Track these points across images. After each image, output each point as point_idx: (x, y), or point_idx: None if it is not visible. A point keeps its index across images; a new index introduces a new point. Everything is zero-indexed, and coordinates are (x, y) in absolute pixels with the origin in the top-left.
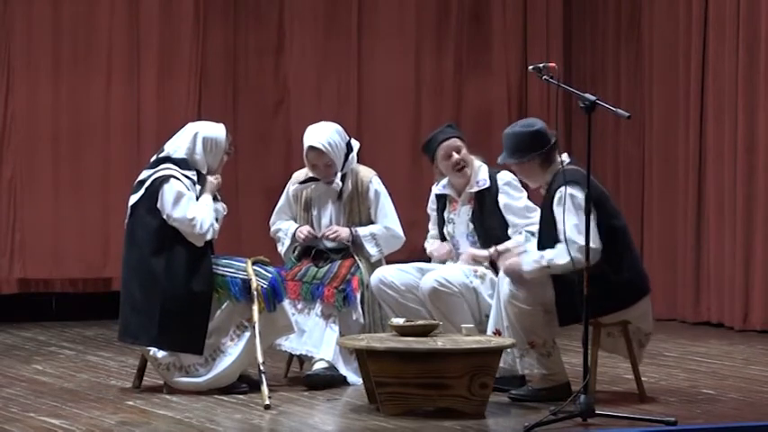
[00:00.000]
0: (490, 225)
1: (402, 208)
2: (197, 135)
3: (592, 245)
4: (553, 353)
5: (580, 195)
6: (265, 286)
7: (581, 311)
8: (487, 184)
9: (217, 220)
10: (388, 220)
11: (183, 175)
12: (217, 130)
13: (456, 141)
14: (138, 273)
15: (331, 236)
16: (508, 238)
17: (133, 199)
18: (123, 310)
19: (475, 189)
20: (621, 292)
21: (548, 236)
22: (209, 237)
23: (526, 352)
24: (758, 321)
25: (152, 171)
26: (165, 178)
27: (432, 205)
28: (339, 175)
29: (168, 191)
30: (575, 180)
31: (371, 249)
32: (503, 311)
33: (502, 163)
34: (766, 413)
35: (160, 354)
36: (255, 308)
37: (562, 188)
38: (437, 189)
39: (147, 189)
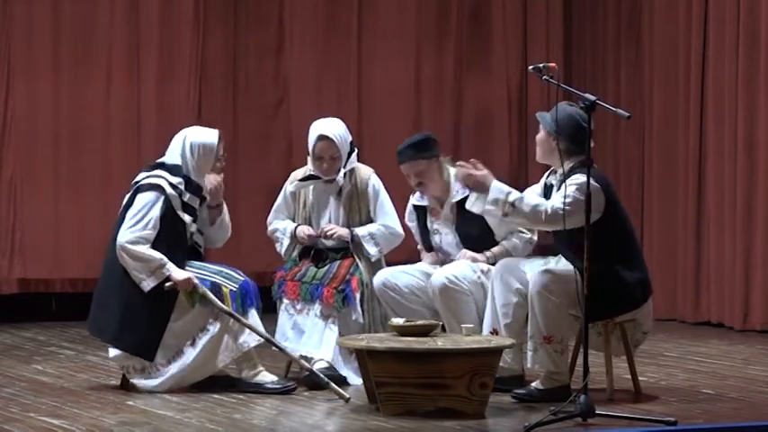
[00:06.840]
0: (475, 231)
1: (402, 208)
2: (185, 140)
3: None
4: (564, 352)
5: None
6: (234, 289)
7: (609, 308)
8: (466, 191)
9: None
10: (387, 217)
11: (170, 184)
12: (207, 136)
13: (412, 166)
14: (109, 270)
15: (329, 232)
16: (495, 241)
17: (125, 198)
18: (93, 304)
19: (455, 199)
20: (636, 290)
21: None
22: (120, 246)
23: (540, 346)
24: (758, 321)
25: (146, 174)
26: (146, 186)
27: (410, 216)
28: (342, 171)
29: (139, 200)
30: (595, 175)
31: (371, 249)
32: (530, 303)
33: (541, 122)
34: (766, 413)
35: (112, 353)
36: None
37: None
38: (414, 200)
39: (133, 191)
